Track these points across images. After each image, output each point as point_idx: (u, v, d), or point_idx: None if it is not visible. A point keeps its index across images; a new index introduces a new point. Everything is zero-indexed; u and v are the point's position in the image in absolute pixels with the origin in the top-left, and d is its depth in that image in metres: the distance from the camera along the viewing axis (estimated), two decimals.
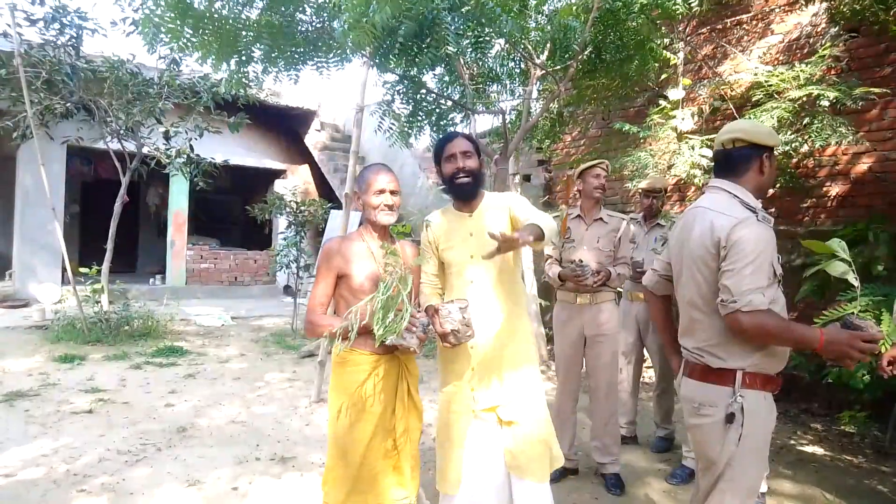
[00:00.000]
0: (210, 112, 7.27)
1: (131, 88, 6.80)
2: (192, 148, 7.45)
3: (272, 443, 3.95)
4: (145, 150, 7.25)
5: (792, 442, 4.31)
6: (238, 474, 3.43)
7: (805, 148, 4.63)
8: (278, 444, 3.94)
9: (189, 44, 4.07)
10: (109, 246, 7.17)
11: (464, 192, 2.40)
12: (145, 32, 3.93)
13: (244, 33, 4.17)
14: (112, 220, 7.19)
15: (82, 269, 7.15)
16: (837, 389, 4.40)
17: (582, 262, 3.31)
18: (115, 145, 7.23)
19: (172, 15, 3.95)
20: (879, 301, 3.12)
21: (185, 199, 11.02)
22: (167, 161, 7.32)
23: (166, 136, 7.23)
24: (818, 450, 4.18)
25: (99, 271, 7.07)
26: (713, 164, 2.22)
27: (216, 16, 4.01)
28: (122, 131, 7.09)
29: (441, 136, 2.43)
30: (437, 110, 4.98)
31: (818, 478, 3.65)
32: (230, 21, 4.05)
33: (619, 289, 3.86)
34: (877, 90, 4.39)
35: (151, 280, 11.32)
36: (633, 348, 4.15)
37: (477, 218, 2.41)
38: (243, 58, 4.30)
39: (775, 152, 2.12)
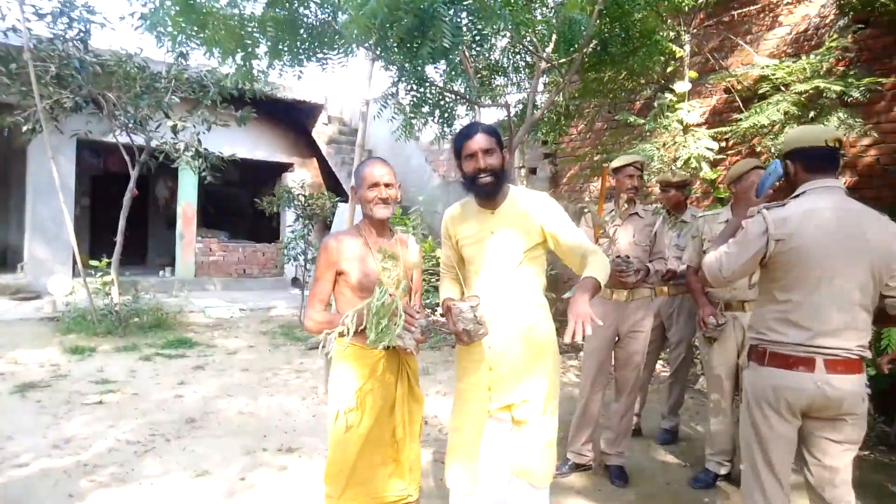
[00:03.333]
0: (217, 106, 7.30)
1: (139, 82, 6.84)
2: (199, 142, 7.50)
3: (280, 434, 4.00)
4: (154, 143, 7.30)
5: None
6: (246, 465, 3.48)
7: None
8: (285, 434, 3.99)
9: (194, 39, 4.10)
10: (119, 238, 7.24)
11: (486, 192, 2.30)
12: (151, 28, 3.96)
13: (249, 28, 4.19)
14: (121, 213, 7.26)
15: (93, 262, 7.23)
16: None
17: (628, 257, 3.28)
18: (123, 139, 7.29)
19: (177, 11, 3.97)
20: None
21: (194, 192, 11.08)
22: (175, 155, 7.37)
23: (174, 130, 7.28)
24: None
25: (109, 264, 7.14)
26: (808, 161, 2.22)
27: (220, 12, 4.03)
28: (130, 125, 7.14)
29: (461, 129, 2.38)
30: (442, 103, 4.98)
31: None
32: (234, 17, 4.07)
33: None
34: (884, 80, 4.35)
35: (161, 272, 11.41)
36: (653, 342, 4.14)
37: (500, 216, 2.33)
38: (248, 54, 4.32)
39: None
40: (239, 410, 4.45)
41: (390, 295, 2.07)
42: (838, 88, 4.24)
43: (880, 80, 4.33)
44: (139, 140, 7.32)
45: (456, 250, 2.43)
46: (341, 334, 2.07)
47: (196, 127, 7.39)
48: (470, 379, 2.34)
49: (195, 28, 4.18)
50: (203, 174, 7.77)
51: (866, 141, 4.88)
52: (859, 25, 4.90)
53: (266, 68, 4.62)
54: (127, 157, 7.29)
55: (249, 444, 3.80)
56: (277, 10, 4.19)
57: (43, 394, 4.59)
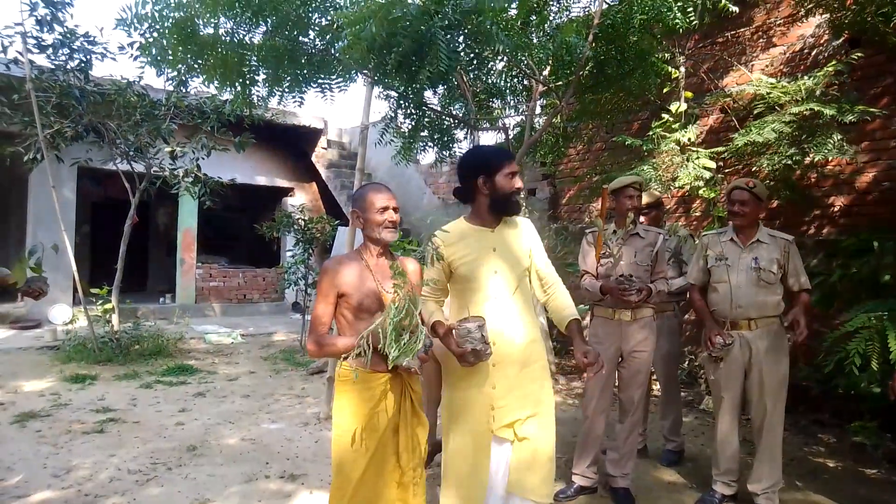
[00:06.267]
0: (216, 132, 7.36)
1: (139, 110, 6.90)
2: (199, 167, 7.54)
3: (281, 460, 3.97)
4: (154, 170, 7.34)
5: (805, 452, 4.28)
6: (248, 493, 3.45)
7: (808, 160, 4.63)
8: (287, 461, 3.95)
9: (193, 70, 4.15)
10: (120, 265, 7.25)
11: (516, 209, 2.49)
12: (150, 59, 4.02)
13: (248, 57, 4.25)
14: (122, 240, 7.27)
15: (93, 289, 7.22)
16: (847, 399, 4.38)
17: (631, 276, 3.29)
18: (123, 166, 7.33)
19: (176, 40, 4.03)
20: (884, 314, 3.10)
21: (194, 218, 11.12)
22: (174, 182, 7.40)
23: (172, 157, 7.32)
24: (830, 461, 4.15)
25: (109, 291, 7.14)
26: None
27: (220, 42, 4.09)
28: (130, 152, 7.19)
29: (493, 149, 2.69)
30: (440, 126, 5.03)
31: (831, 489, 3.63)
32: (234, 46, 4.13)
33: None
34: (873, 109, 4.41)
35: (161, 299, 11.39)
36: None
37: (500, 234, 2.44)
38: (248, 81, 4.37)
39: None
40: (240, 437, 4.41)
41: (408, 308, 2.04)
42: (832, 113, 4.29)
43: (871, 109, 4.38)
44: (139, 167, 7.36)
45: (446, 273, 2.44)
46: (358, 355, 2.06)
47: (195, 153, 7.44)
48: (470, 399, 2.34)
49: (195, 58, 4.24)
50: (202, 200, 7.80)
51: (863, 158, 4.91)
52: (852, 46, 4.97)
53: (266, 95, 4.68)
54: (127, 185, 7.33)
55: (251, 471, 3.76)
56: (277, 38, 4.25)
57: (43, 423, 4.56)
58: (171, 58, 4.29)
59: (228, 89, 4.67)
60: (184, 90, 6.95)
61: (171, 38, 4.10)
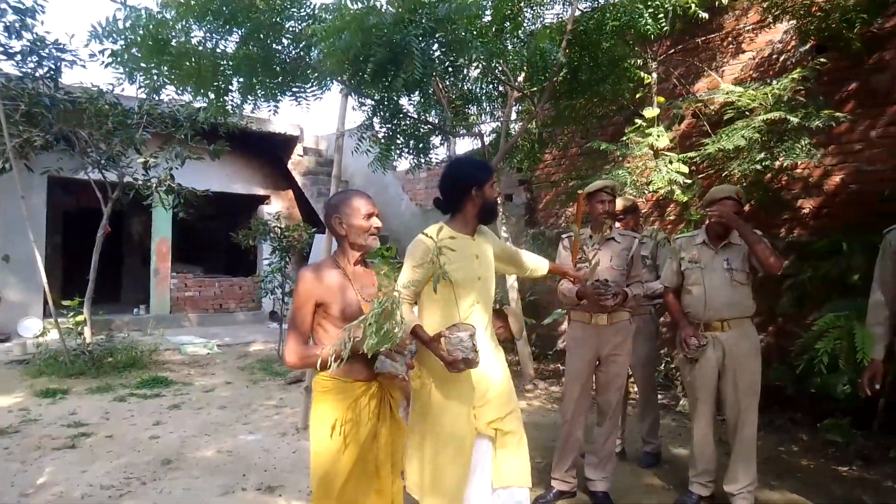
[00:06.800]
0: (189, 140, 7.27)
1: (111, 119, 6.80)
2: (172, 177, 7.44)
3: (259, 472, 3.91)
4: (126, 179, 7.23)
5: (780, 451, 4.35)
6: None
7: (777, 164, 4.72)
8: (265, 472, 3.90)
9: (167, 78, 4.11)
10: (92, 276, 7.12)
11: (495, 217, 2.70)
12: (123, 68, 3.97)
13: (222, 66, 4.22)
14: (94, 251, 7.14)
15: (65, 301, 7.08)
16: (819, 398, 4.45)
17: (607, 281, 3.31)
18: (95, 175, 7.21)
19: (149, 48, 3.99)
20: (851, 314, 3.17)
21: (169, 228, 10.97)
22: (147, 191, 7.30)
23: (146, 167, 7.22)
24: (804, 460, 4.21)
25: (81, 302, 7.00)
26: None
27: (193, 50, 4.05)
28: (102, 161, 7.07)
29: (481, 163, 2.92)
30: (417, 133, 5.03)
31: (806, 488, 3.68)
32: (207, 55, 4.10)
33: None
34: (839, 114, 4.51)
35: (135, 310, 11.20)
36: None
37: (478, 242, 2.57)
38: (221, 89, 4.34)
39: None
40: (217, 449, 4.35)
41: (389, 306, 2.02)
42: (797, 120, 4.38)
43: (837, 113, 4.49)
44: (112, 176, 7.24)
45: (422, 278, 2.45)
46: (337, 358, 2.03)
47: (169, 162, 7.34)
48: (450, 401, 2.41)
49: (168, 66, 4.20)
50: (176, 210, 7.70)
51: (831, 162, 5.02)
52: (818, 52, 5.08)
53: (240, 103, 4.64)
54: (99, 194, 7.21)
55: (228, 483, 3.71)
56: (250, 46, 4.23)
57: (11, 440, 4.44)
58: (143, 66, 4.25)
59: (202, 98, 4.64)
60: (157, 98, 6.86)
61: (144, 47, 4.06)
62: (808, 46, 5.19)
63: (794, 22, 5.13)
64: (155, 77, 4.36)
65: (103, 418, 5.07)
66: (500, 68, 5.12)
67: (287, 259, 8.07)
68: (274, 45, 4.31)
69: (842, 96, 4.98)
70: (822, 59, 4.84)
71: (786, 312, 4.96)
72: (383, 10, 3.88)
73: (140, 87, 6.30)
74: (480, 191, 2.50)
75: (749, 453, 3.27)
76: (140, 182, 7.27)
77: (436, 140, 5.54)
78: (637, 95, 5.87)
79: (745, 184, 5.00)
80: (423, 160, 5.41)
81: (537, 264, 2.92)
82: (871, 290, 2.97)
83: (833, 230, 4.82)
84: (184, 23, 4.02)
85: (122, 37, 3.97)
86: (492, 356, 2.52)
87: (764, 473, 3.74)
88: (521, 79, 5.33)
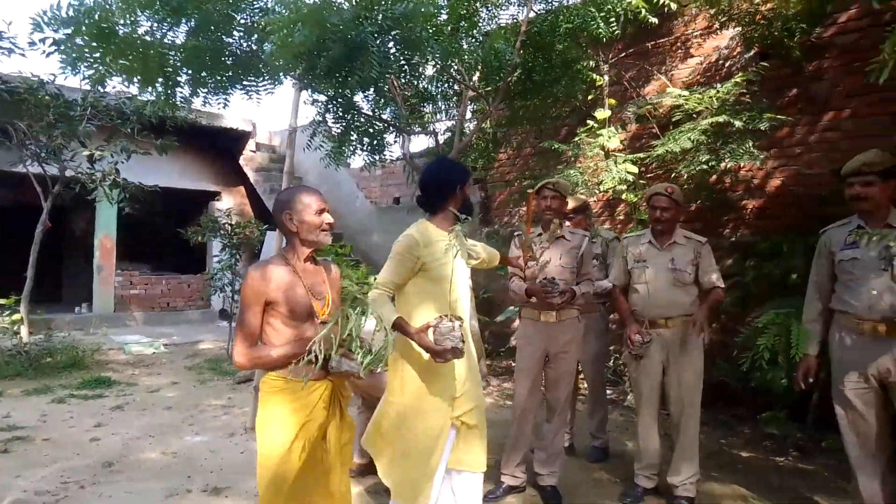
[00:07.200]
0: (136, 134, 7.04)
1: (52, 110, 6.52)
2: (118, 171, 7.19)
3: (205, 473, 3.82)
4: (69, 173, 6.96)
5: (722, 445, 4.49)
6: None
7: (723, 165, 4.87)
8: (212, 474, 3.81)
9: (112, 69, 3.97)
10: (30, 273, 6.83)
11: (472, 213, 2.75)
12: (66, 57, 3.82)
13: (170, 57, 4.10)
14: (32, 248, 6.85)
15: (0, 300, 6.77)
16: (760, 393, 4.62)
17: (554, 279, 3.34)
18: (35, 169, 6.92)
19: (94, 37, 3.85)
20: (789, 311, 3.30)
21: (114, 223, 10.61)
22: (92, 186, 7.04)
23: (90, 160, 6.96)
24: (745, 452, 4.36)
25: (18, 301, 6.71)
26: None
27: (140, 41, 3.92)
28: (42, 154, 6.78)
29: (460, 166, 2.95)
30: (371, 131, 5.00)
31: (746, 479, 3.81)
32: (155, 46, 3.98)
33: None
34: (781, 117, 4.69)
35: (77, 308, 10.80)
36: None
37: (452, 238, 2.59)
38: (170, 81, 4.22)
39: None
40: (161, 451, 4.23)
41: (358, 315, 2.05)
42: (740, 124, 4.53)
43: (779, 116, 4.66)
44: (52, 170, 6.96)
45: (413, 272, 2.54)
46: (310, 363, 2.01)
47: (114, 156, 7.09)
48: (434, 389, 2.51)
49: (113, 57, 4.06)
50: (122, 205, 7.45)
51: (773, 164, 5.21)
52: (762, 59, 5.27)
53: (189, 96, 4.52)
54: (39, 189, 6.92)
55: (173, 486, 3.61)
56: (200, 38, 4.12)
57: None
58: (87, 56, 4.09)
59: (149, 90, 4.49)
60: (102, 90, 6.62)
61: (89, 36, 3.90)
62: (752, 53, 5.37)
63: (739, 29, 5.31)
64: (100, 67, 4.20)
65: (41, 421, 4.87)
66: (456, 67, 5.14)
67: (238, 256, 7.90)
68: (224, 38, 4.22)
69: (783, 102, 5.17)
70: (764, 65, 5.02)
71: (729, 311, 5.12)
72: (339, 6, 3.84)
73: (84, 78, 6.11)
74: (462, 189, 2.68)
75: (692, 447, 3.37)
76: (84, 176, 7.01)
77: (390, 138, 5.52)
78: (589, 97, 5.98)
79: (691, 185, 5.15)
80: (377, 158, 5.38)
81: (493, 255, 2.99)
82: (808, 288, 3.11)
83: (775, 231, 5.00)
84: (130, 12, 3.89)
85: (66, 25, 3.81)
86: (470, 350, 2.63)
87: (706, 466, 3.86)
88: (476, 78, 5.36)
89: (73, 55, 3.99)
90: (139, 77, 4.24)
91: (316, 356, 2.01)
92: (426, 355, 2.44)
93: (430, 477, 2.46)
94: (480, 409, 2.64)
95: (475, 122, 6.11)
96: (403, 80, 5.20)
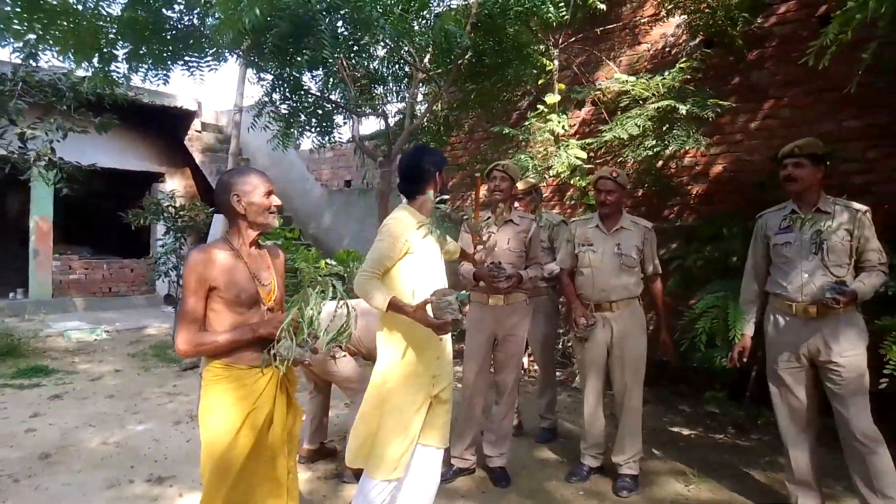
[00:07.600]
0: (72, 112, 6.72)
1: None
2: (53, 150, 6.85)
3: (149, 463, 3.73)
4: (0, 153, 6.60)
5: (664, 422, 4.64)
6: (110, 500, 3.22)
7: (668, 151, 4.98)
8: (156, 463, 3.73)
9: (44, 41, 3.77)
10: None
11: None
12: None
13: (105, 29, 3.92)
14: None
15: None
16: (701, 373, 4.78)
17: (500, 264, 3.36)
18: None
19: (23, 7, 3.64)
20: (727, 294, 3.41)
21: (50, 205, 10.15)
22: (25, 166, 6.70)
23: (22, 139, 6.61)
24: (686, 430, 4.52)
25: None
26: None
27: (72, 10, 3.73)
28: None
29: (437, 152, 2.84)
30: (319, 112, 4.91)
31: (686, 456, 3.95)
32: (88, 16, 3.79)
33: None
34: (724, 103, 4.81)
35: (12, 294, 10.33)
36: None
37: (432, 221, 2.68)
38: (106, 56, 4.03)
39: None
40: (102, 441, 4.10)
41: (317, 299, 2.02)
42: (685, 109, 4.63)
43: (721, 102, 4.78)
44: None
45: (398, 256, 2.53)
46: (270, 353, 2.00)
47: (49, 134, 6.75)
48: (420, 367, 2.52)
49: (44, 27, 3.85)
50: (59, 186, 7.12)
51: (715, 150, 5.35)
52: (706, 47, 5.39)
53: (127, 72, 4.34)
54: None
55: (114, 476, 3.51)
56: (138, 10, 3.95)
57: None
58: (16, 27, 3.86)
59: (85, 65, 4.29)
60: (34, 64, 6.28)
61: (16, 4, 3.69)
62: (697, 41, 5.47)
63: (685, 17, 5.40)
64: (29, 38, 3.98)
65: None
66: (407, 49, 5.07)
67: (183, 240, 7.68)
68: (164, 10, 4.05)
69: (726, 89, 5.30)
70: (709, 52, 5.13)
71: (672, 293, 5.26)
72: None
73: (14, 51, 5.78)
74: (440, 175, 2.72)
75: (635, 426, 3.47)
76: (15, 156, 6.65)
77: (339, 119, 5.43)
78: (539, 82, 6.00)
79: (638, 170, 5.25)
80: (326, 139, 5.29)
81: (456, 249, 3.01)
82: (745, 271, 3.23)
83: (719, 216, 5.13)
84: None
85: None
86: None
87: (649, 444, 3.98)
88: (427, 60, 5.31)
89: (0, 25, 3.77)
90: (73, 51, 4.04)
91: (291, 341, 2.00)
92: (427, 331, 2.42)
93: (408, 449, 2.49)
94: (451, 388, 2.70)
95: (426, 105, 6.06)
96: (353, 61, 5.11)
